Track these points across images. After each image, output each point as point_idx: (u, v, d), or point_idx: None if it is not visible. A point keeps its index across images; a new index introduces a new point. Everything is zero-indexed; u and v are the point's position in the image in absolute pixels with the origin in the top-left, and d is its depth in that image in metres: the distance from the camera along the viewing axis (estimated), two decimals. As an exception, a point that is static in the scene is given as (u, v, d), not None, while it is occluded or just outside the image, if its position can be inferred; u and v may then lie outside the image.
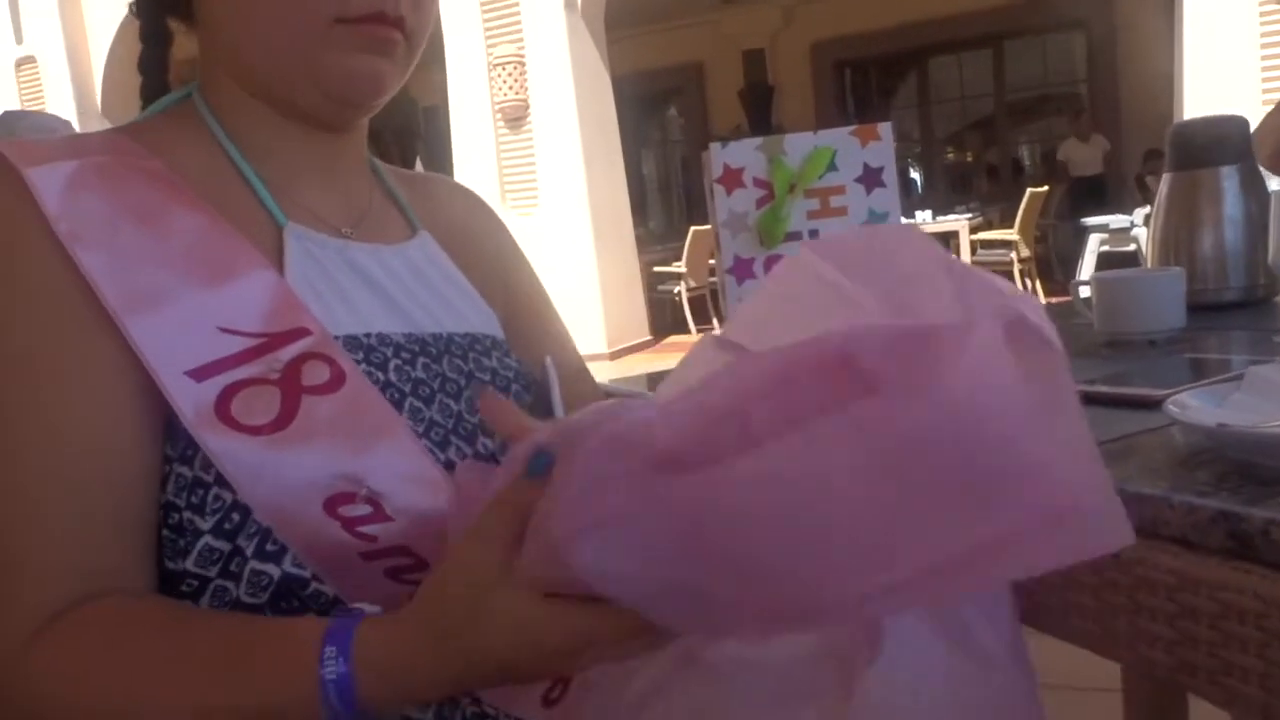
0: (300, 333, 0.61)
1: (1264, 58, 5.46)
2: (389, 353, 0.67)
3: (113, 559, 0.58)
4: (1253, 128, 1.34)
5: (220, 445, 0.57)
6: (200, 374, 0.58)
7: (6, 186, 0.60)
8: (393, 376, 0.66)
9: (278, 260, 0.65)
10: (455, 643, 0.52)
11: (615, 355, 7.27)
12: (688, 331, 8.12)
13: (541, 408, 0.74)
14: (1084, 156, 8.77)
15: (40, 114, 2.32)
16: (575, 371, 0.87)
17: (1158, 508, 0.54)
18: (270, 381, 0.59)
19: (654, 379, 1.18)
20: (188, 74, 0.72)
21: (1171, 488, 0.55)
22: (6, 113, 2.27)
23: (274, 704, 0.53)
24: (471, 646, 0.51)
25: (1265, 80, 5.46)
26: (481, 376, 0.71)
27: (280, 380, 0.59)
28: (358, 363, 0.64)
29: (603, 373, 2.14)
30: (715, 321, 8.18)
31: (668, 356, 6.97)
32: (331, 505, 0.58)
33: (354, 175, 0.75)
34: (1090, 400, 0.80)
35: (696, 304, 8.28)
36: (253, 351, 0.60)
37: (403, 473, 0.61)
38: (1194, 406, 0.65)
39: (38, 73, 8.78)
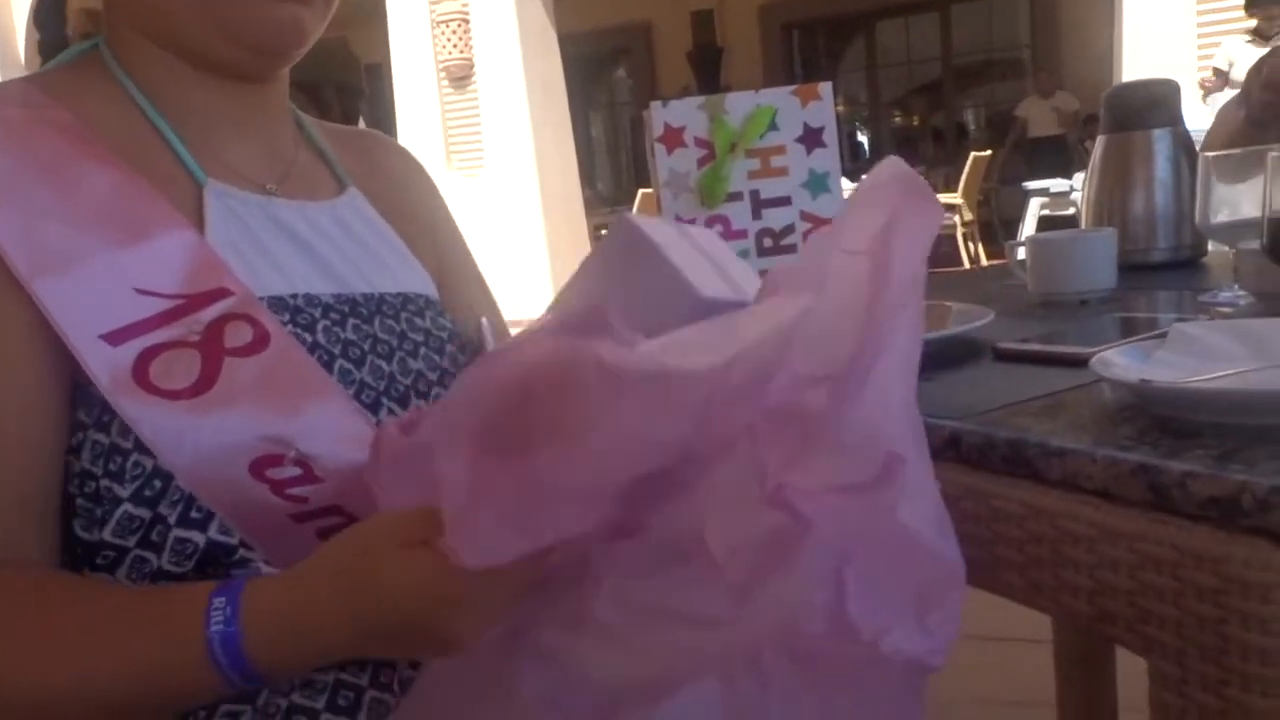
0: (221, 293, 0.60)
1: (1200, 24, 5.56)
2: (316, 314, 0.65)
3: (9, 530, 0.56)
4: (1185, 91, 1.36)
5: (138, 411, 0.56)
6: (116, 338, 0.56)
7: None
8: (320, 338, 0.65)
9: (198, 219, 0.63)
10: (346, 582, 0.50)
11: (563, 318, 7.23)
12: (636, 294, 8.10)
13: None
14: (1044, 116, 8.59)
15: None
16: (502, 327, 0.87)
17: (1081, 462, 0.55)
18: (190, 344, 0.58)
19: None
20: (88, 26, 0.69)
21: (1095, 442, 0.56)
22: None
23: (161, 665, 0.52)
24: (365, 589, 0.50)
25: (1201, 45, 5.56)
26: (415, 337, 0.70)
27: (201, 343, 0.58)
28: (284, 324, 0.62)
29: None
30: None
31: (616, 320, 6.95)
32: (258, 468, 0.57)
33: (275, 129, 0.73)
34: (1022, 358, 0.81)
35: (644, 267, 8.26)
36: (171, 314, 0.58)
37: (334, 433, 0.60)
38: (1119, 363, 0.66)
39: (-42, 25, 8.42)
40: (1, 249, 0.56)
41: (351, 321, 0.67)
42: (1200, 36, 5.52)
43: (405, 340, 0.69)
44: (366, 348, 0.67)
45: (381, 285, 0.71)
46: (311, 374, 0.62)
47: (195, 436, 0.56)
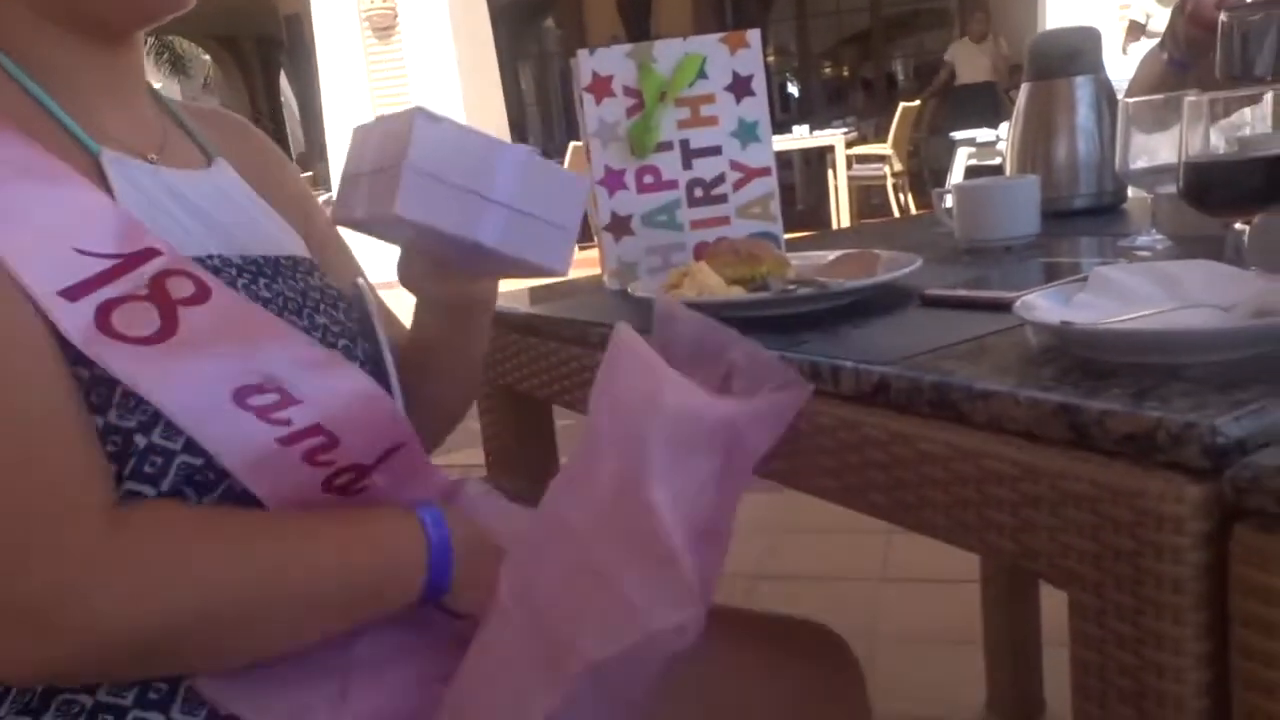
0: (151, 253, 0.60)
1: (1121, -27, 5.64)
2: (233, 274, 0.67)
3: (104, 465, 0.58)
4: (1106, 40, 1.38)
5: (116, 358, 0.57)
6: (72, 294, 0.57)
7: None
8: (244, 295, 0.66)
9: (100, 186, 0.63)
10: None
11: (496, 274, 7.17)
12: (569, 249, 8.05)
13: (364, 325, 0.77)
14: (974, 61, 8.34)
15: None
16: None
17: (1004, 403, 0.56)
18: (142, 297, 0.59)
19: (534, 294, 1.16)
20: None
21: (1018, 384, 0.57)
22: None
23: (379, 550, 0.64)
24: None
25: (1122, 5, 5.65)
26: (314, 295, 0.73)
27: (150, 295, 0.59)
28: None
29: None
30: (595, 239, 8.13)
31: (550, 275, 6.91)
32: (240, 398, 0.60)
33: (143, 100, 0.74)
34: (948, 304, 0.82)
35: (577, 221, 8.21)
36: (113, 271, 0.59)
37: (296, 359, 0.63)
38: (1041, 306, 0.67)
39: None
40: None
41: (262, 280, 0.69)
42: (1122, -15, 5.61)
43: (308, 298, 0.73)
44: (280, 305, 0.69)
45: (271, 248, 0.73)
46: (257, 314, 0.64)
47: (179, 376, 0.58)
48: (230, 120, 0.86)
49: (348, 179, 0.73)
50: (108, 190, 0.63)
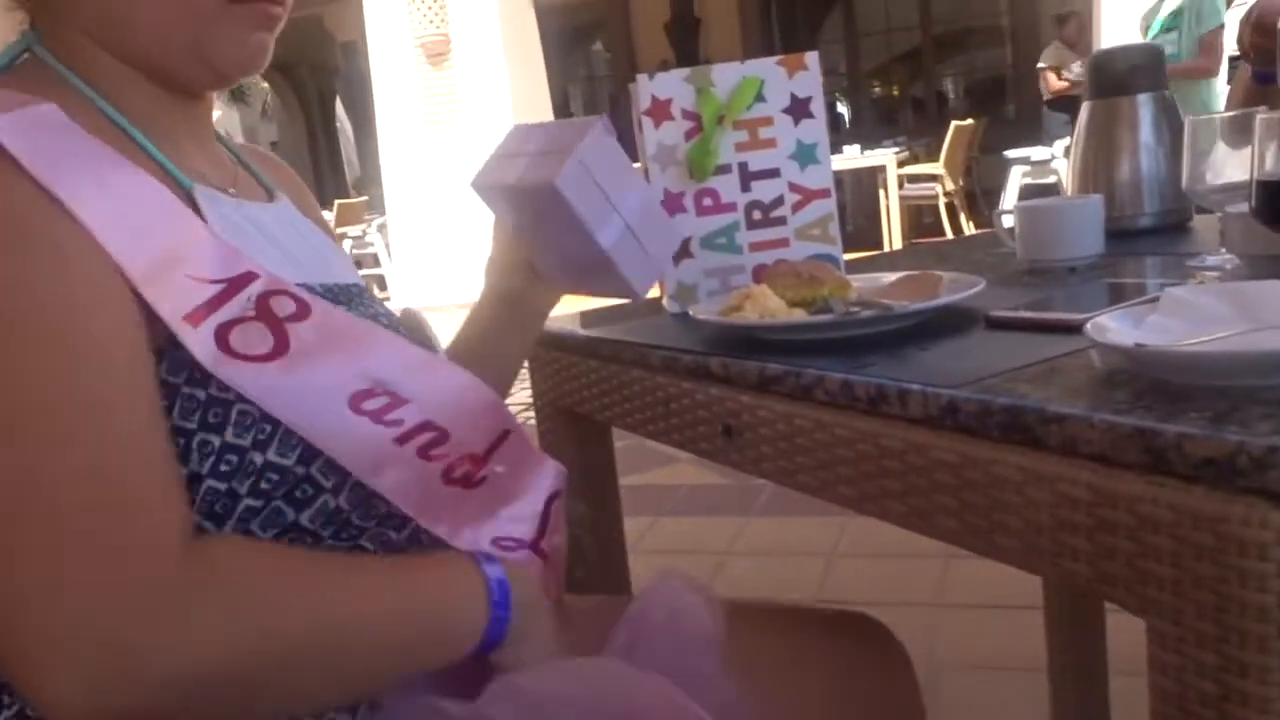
0: (251, 276, 0.63)
1: (1179, -12, 5.54)
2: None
3: (182, 500, 0.57)
4: (1168, 56, 1.36)
5: (241, 378, 0.59)
6: (194, 318, 0.59)
7: None
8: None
9: (199, 219, 0.66)
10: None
11: (547, 296, 7.22)
12: (619, 270, 8.09)
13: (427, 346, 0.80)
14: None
15: None
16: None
17: (1079, 427, 0.56)
18: (251, 318, 0.61)
19: (586, 318, 1.17)
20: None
21: (1091, 407, 0.57)
22: None
23: (440, 598, 0.63)
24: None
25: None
26: (384, 320, 0.75)
27: (258, 315, 0.61)
28: None
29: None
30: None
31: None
32: (356, 403, 0.63)
33: (213, 140, 0.77)
34: (1013, 326, 0.82)
35: (627, 242, 8.24)
36: (222, 296, 0.61)
37: (399, 364, 0.66)
38: (1112, 329, 0.66)
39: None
40: (106, 245, 0.57)
41: (342, 308, 0.71)
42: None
43: (378, 321, 0.74)
44: None
45: (340, 278, 0.76)
46: (357, 324, 0.67)
47: (298, 390, 0.60)
48: (271, 158, 0.89)
49: (503, 157, 0.89)
50: (203, 221, 0.65)
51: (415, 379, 0.66)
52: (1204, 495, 0.49)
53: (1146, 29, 4.23)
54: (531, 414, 1.19)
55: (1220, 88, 3.90)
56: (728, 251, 1.10)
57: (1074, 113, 1.39)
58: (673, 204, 1.09)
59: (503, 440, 0.71)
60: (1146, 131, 1.27)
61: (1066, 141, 6.44)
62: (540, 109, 7.47)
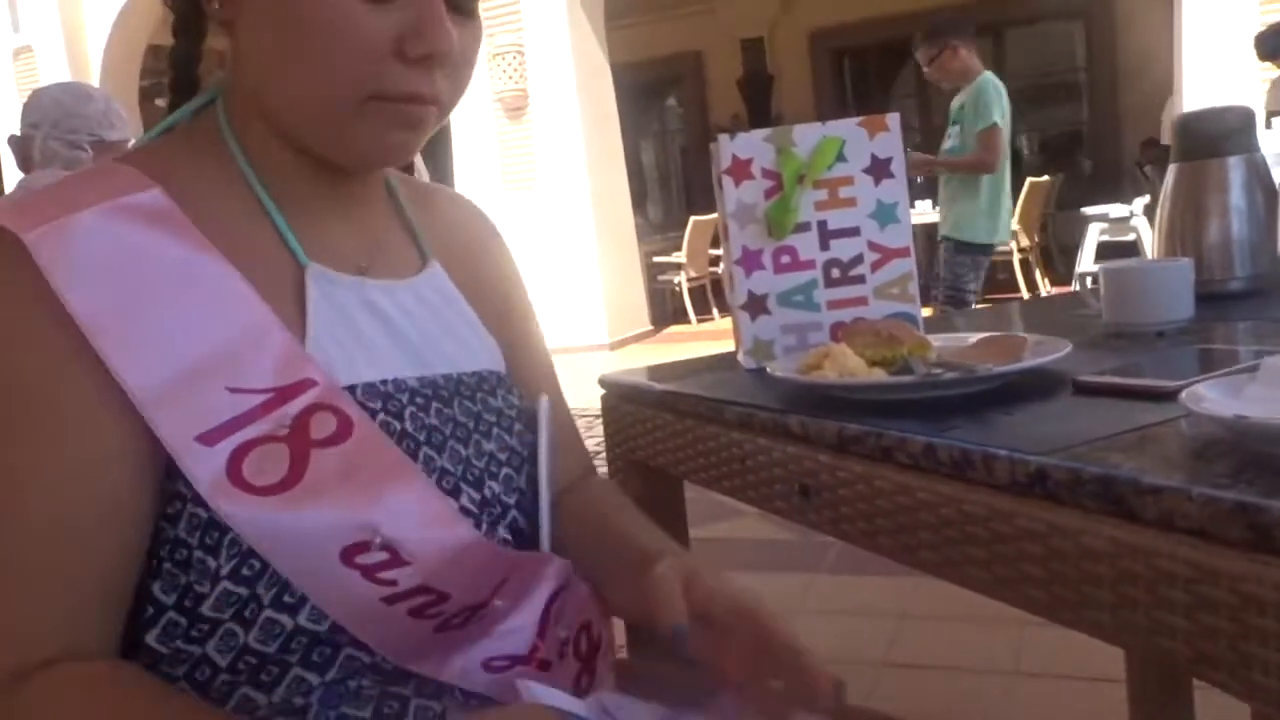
0: (307, 384, 0.61)
1: (1264, 47, 5.44)
2: (405, 399, 0.67)
3: (89, 624, 0.58)
4: (1258, 117, 1.33)
5: (234, 509, 0.57)
6: (211, 438, 0.58)
7: (7, 257, 0.58)
8: (408, 425, 0.67)
9: (298, 303, 0.65)
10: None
11: (615, 345, 7.27)
12: (688, 321, 8.12)
13: (533, 452, 0.75)
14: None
15: (79, 84, 2.25)
16: (553, 397, 0.84)
17: (1176, 500, 0.54)
18: (279, 439, 0.59)
19: (654, 371, 1.18)
20: (219, 66, 0.72)
21: (1189, 479, 0.55)
22: (54, 87, 2.21)
23: None
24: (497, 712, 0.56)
25: (1265, 68, 5.45)
26: (488, 418, 0.72)
27: (289, 436, 0.59)
28: (375, 412, 0.65)
29: (604, 364, 2.14)
30: (715, 312, 8.18)
31: (668, 347, 6.97)
32: (348, 556, 0.59)
33: (370, 209, 0.74)
34: (1102, 391, 0.80)
35: (696, 294, 8.28)
36: (262, 408, 0.59)
37: (416, 515, 0.62)
38: (1210, 398, 0.64)
39: (34, 61, 8.75)
40: (117, 374, 0.57)
41: (434, 405, 0.69)
42: (1258, 58, 5.41)
43: (480, 421, 0.71)
44: (448, 432, 0.69)
45: (460, 364, 0.73)
46: (392, 459, 0.63)
47: (289, 529, 0.58)
48: (453, 204, 0.85)
49: None
50: (301, 306, 0.65)
51: (425, 535, 0.62)
52: (1313, 577, 0.47)
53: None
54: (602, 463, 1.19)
55: (1004, 182, 3.99)
56: (805, 309, 1.10)
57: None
58: (751, 261, 1.10)
59: (509, 577, 0.67)
60: (1237, 194, 1.24)
61: (1145, 199, 6.32)
62: (613, 162, 7.58)
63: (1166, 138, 7.46)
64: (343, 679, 0.62)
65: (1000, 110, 3.85)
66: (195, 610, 0.59)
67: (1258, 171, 1.25)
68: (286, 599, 0.59)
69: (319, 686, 0.61)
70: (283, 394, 0.60)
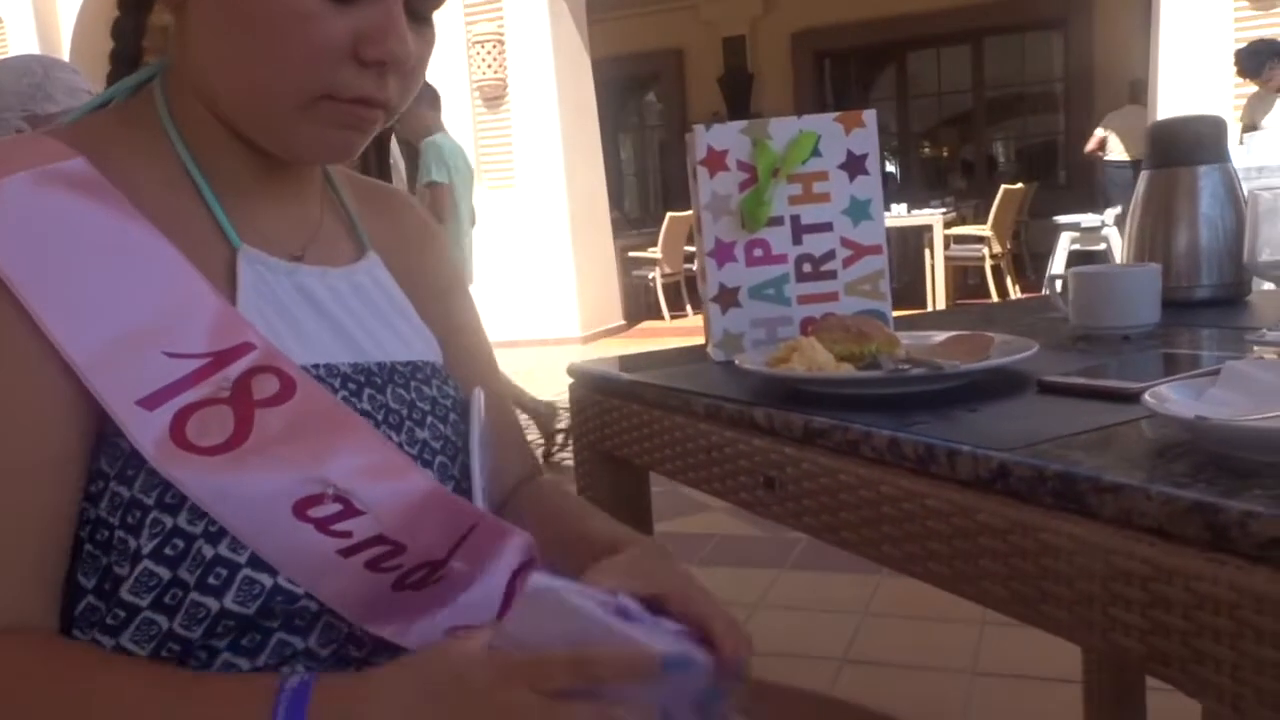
0: (246, 348, 0.60)
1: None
2: (336, 384, 0.66)
3: (24, 596, 0.56)
4: (1230, 128, 1.35)
5: (182, 473, 0.56)
6: (151, 402, 0.57)
7: None
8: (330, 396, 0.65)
9: (229, 283, 0.64)
10: (411, 661, 0.55)
11: (588, 339, 7.27)
12: (661, 317, 8.12)
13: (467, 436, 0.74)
14: (1138, 132, 7.31)
15: (16, 58, 2.19)
16: (495, 396, 0.84)
17: (1135, 498, 0.55)
18: (221, 400, 0.58)
19: (623, 361, 1.17)
20: (163, 43, 0.70)
21: (1149, 478, 0.56)
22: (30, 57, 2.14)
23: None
24: (428, 656, 0.54)
25: (1239, 81, 5.53)
26: (423, 406, 0.71)
27: (231, 398, 0.59)
28: None
29: (575, 357, 2.14)
30: (689, 308, 8.19)
31: (640, 342, 6.97)
32: (301, 510, 0.58)
33: (307, 196, 0.74)
34: (1067, 391, 0.80)
35: (671, 290, 8.29)
36: (201, 372, 0.59)
37: (367, 466, 0.62)
38: (1172, 399, 0.65)
39: (4, 34, 8.59)
40: (52, 337, 0.56)
41: (367, 391, 0.68)
42: (1238, 73, 5.49)
43: (414, 409, 0.70)
44: (380, 417, 0.67)
45: (394, 353, 0.72)
46: (339, 414, 0.62)
47: (237, 489, 0.57)
48: (395, 201, 0.84)
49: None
50: (233, 288, 0.64)
51: (379, 485, 0.61)
52: (1269, 577, 0.48)
53: None
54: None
55: (465, 237, 4.05)
56: (776, 303, 1.10)
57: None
58: (723, 253, 1.09)
59: (467, 537, 0.65)
60: (1207, 203, 1.25)
61: (1117, 209, 6.39)
62: (591, 154, 7.56)
63: (1109, 151, 7.57)
64: (275, 665, 0.60)
65: (434, 168, 3.93)
66: (115, 593, 0.58)
67: (1228, 181, 1.27)
68: (211, 581, 0.57)
69: (249, 673, 0.60)
70: (221, 358, 0.59)
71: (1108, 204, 6.81)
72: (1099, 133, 7.74)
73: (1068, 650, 1.40)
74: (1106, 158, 7.65)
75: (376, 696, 0.53)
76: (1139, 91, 7.40)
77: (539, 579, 0.55)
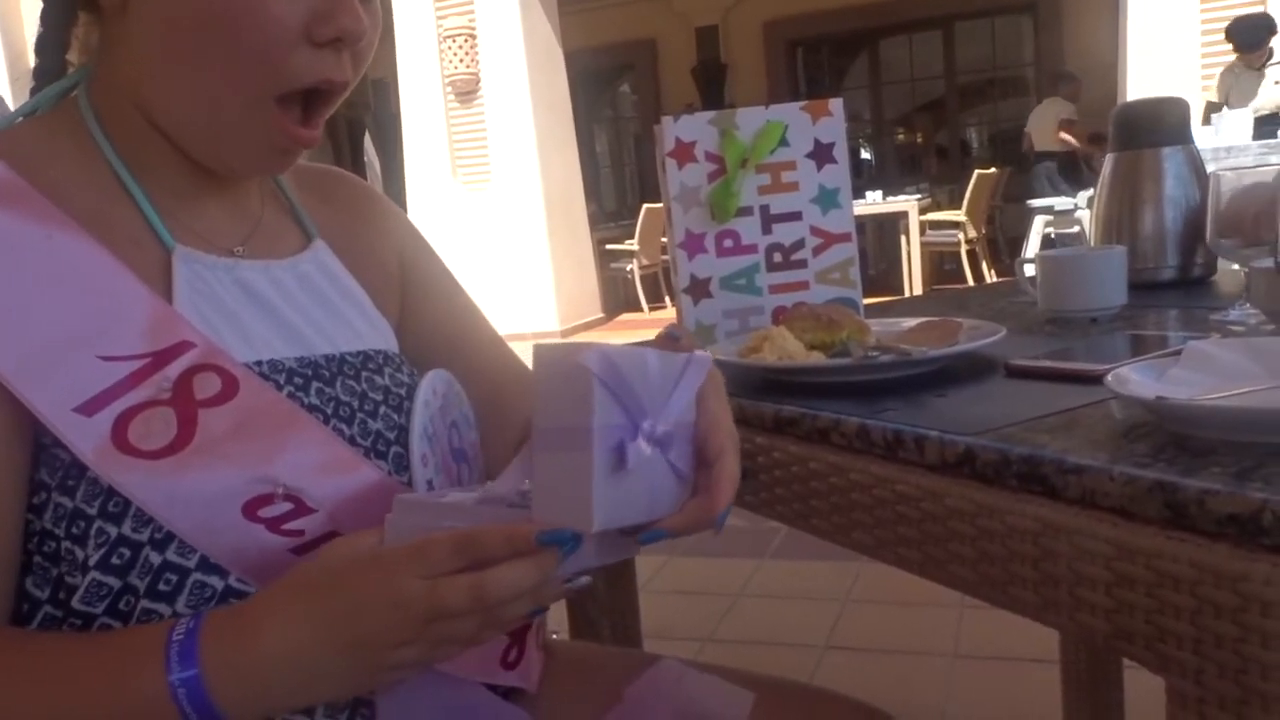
0: (184, 346, 0.60)
1: (1204, 43, 5.58)
2: (281, 380, 0.65)
3: None
4: (1194, 110, 1.36)
5: (126, 478, 0.56)
6: (89, 408, 0.56)
7: None
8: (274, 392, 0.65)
9: (165, 285, 0.63)
10: (301, 578, 0.53)
11: (567, 333, 7.26)
12: (640, 309, 8.12)
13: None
14: (1049, 124, 7.78)
15: None
16: (489, 341, 0.86)
17: (1098, 479, 0.55)
18: (162, 402, 0.58)
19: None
20: (85, 57, 0.69)
21: (1111, 459, 0.56)
22: None
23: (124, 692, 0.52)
24: (319, 579, 0.53)
25: (1205, 64, 5.58)
26: (374, 397, 0.70)
27: (172, 399, 0.58)
28: None
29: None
30: (667, 299, 8.19)
31: (619, 334, 6.97)
32: (251, 510, 0.58)
33: (245, 191, 0.73)
34: (1033, 375, 0.81)
35: (649, 282, 8.28)
36: (139, 374, 0.58)
37: (316, 463, 0.61)
38: (1134, 380, 0.66)
39: (-33, 37, 8.46)
40: None
41: (315, 385, 0.67)
42: (1204, 56, 5.55)
43: (366, 400, 0.69)
44: (329, 411, 0.66)
45: (343, 344, 0.71)
46: (284, 411, 0.62)
47: (185, 492, 0.56)
48: (339, 184, 0.83)
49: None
50: (169, 287, 0.63)
51: (329, 481, 0.61)
52: (1226, 553, 0.48)
53: None
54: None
55: None
56: (747, 293, 1.10)
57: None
58: (694, 244, 1.09)
59: None
60: (1171, 184, 1.26)
61: (1090, 192, 6.44)
62: (566, 147, 7.54)
63: (1039, 142, 7.83)
64: None
65: None
66: (68, 603, 0.57)
67: (1192, 163, 1.28)
68: (162, 587, 0.57)
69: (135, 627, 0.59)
70: (159, 358, 0.59)
71: (1038, 195, 7.13)
72: (1026, 130, 8.13)
73: (1045, 632, 1.41)
74: (1036, 150, 8.02)
75: (268, 629, 0.52)
76: (1065, 83, 7.90)
77: (406, 495, 0.56)
